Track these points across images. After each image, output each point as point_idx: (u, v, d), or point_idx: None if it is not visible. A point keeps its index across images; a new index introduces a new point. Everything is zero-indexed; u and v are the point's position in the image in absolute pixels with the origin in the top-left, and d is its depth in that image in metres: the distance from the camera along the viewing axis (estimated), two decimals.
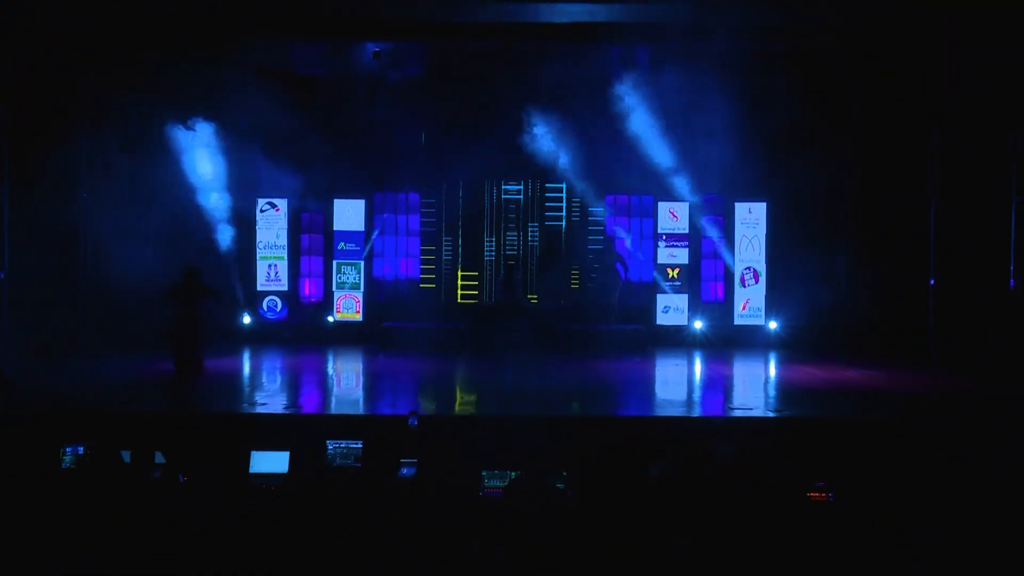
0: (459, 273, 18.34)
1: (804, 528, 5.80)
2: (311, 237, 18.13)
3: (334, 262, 18.06)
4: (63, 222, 14.42)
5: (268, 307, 17.83)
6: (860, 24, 15.50)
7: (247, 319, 17.56)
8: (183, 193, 16.18)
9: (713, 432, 10.02)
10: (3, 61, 13.44)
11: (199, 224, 16.46)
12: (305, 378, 14.02)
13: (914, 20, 14.81)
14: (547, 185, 18.19)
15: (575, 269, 18.17)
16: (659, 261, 17.94)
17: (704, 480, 8.45)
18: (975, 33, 14.18)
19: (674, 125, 16.66)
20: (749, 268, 17.66)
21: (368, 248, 18.09)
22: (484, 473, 8.73)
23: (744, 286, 17.66)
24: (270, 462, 8.86)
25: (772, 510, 7.81)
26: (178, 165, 16.15)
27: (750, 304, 17.65)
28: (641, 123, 16.73)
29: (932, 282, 14.80)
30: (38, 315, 14.11)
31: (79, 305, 14.69)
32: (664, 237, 17.93)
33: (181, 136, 16.20)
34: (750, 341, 17.20)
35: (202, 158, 16.49)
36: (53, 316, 14.49)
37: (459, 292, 18.33)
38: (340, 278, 18.06)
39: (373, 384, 13.26)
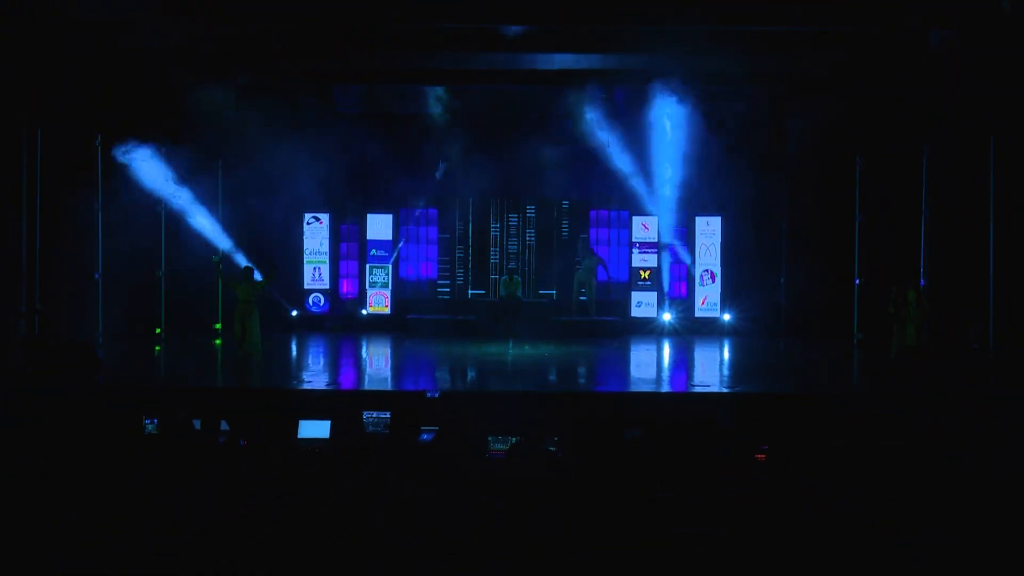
0: (469, 274, 18.34)
1: (752, 481, 5.70)
2: (348, 245, 18.13)
3: (367, 265, 18.04)
4: (144, 229, 14.41)
5: (313, 302, 17.84)
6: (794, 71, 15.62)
7: (295, 312, 17.53)
8: (243, 207, 16.14)
9: (678, 405, 10.03)
10: (96, 97, 13.45)
11: (256, 233, 16.40)
12: (343, 360, 14.04)
13: (837, 72, 14.94)
14: (542, 202, 18.18)
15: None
16: (633, 264, 17.91)
17: (669, 444, 8.48)
18: (889, 81, 14.29)
19: (646, 153, 16.65)
20: (707, 270, 17.63)
21: (395, 255, 18.08)
22: (490, 438, 8.74)
23: (703, 285, 17.63)
24: (315, 429, 8.86)
25: (726, 467, 7.82)
26: (240, 184, 16.11)
27: (708, 300, 17.62)
28: (619, 151, 16.72)
29: (857, 282, 14.79)
30: (125, 307, 14.13)
31: (158, 298, 14.69)
32: (637, 245, 17.90)
33: (244, 160, 16.17)
34: (708, 330, 17.17)
35: (259, 180, 16.47)
36: (136, 308, 14.49)
37: (470, 290, 18.33)
38: (372, 278, 18.04)
39: (399, 366, 13.27)
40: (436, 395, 9.58)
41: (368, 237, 18.02)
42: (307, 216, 17.72)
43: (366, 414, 8.67)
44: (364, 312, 17.77)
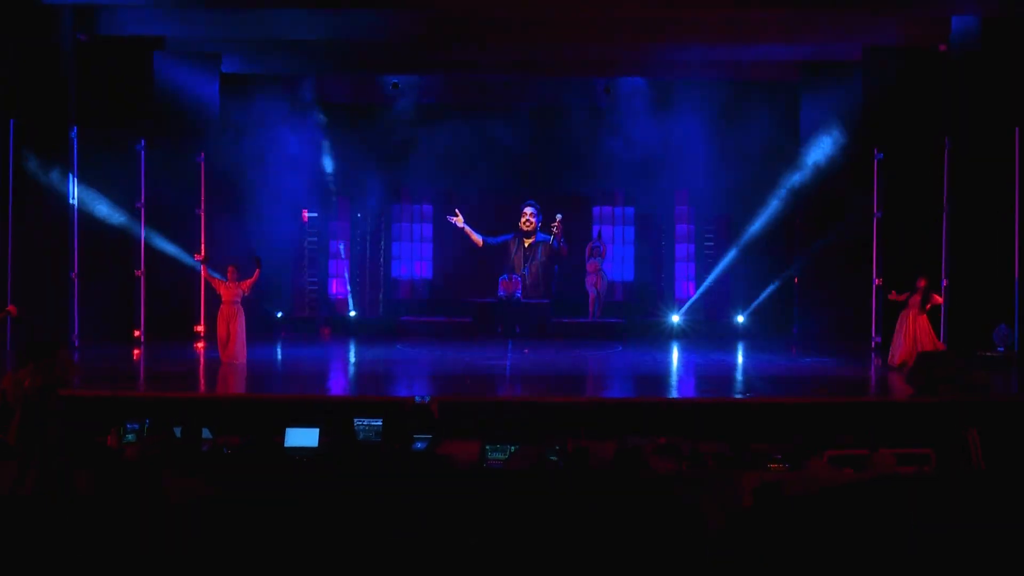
0: (467, 274, 18.19)
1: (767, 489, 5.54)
2: (338, 243, 17.98)
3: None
4: (121, 229, 14.31)
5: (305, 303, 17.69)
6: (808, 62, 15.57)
7: (279, 313, 17.31)
8: (226, 206, 16.00)
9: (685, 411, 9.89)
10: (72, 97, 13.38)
11: (238, 233, 16.24)
12: (333, 365, 13.91)
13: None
14: (542, 198, 18.05)
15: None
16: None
17: (680, 451, 8.36)
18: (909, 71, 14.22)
19: (654, 149, 16.56)
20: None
21: (386, 253, 17.96)
22: (488, 447, 8.62)
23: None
24: (302, 437, 8.74)
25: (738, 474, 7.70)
26: (224, 183, 15.97)
27: (713, 300, 17.47)
28: (626, 146, 16.60)
29: (877, 281, 14.63)
30: (103, 308, 14.04)
31: (135, 299, 14.58)
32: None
33: (230, 159, 16.04)
34: (717, 333, 16.97)
35: (242, 178, 16.34)
36: (114, 309, 14.39)
37: (468, 290, 18.18)
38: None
39: (392, 370, 13.12)
40: (426, 399, 9.44)
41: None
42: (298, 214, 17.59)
43: (357, 421, 8.55)
44: (355, 314, 17.61)
